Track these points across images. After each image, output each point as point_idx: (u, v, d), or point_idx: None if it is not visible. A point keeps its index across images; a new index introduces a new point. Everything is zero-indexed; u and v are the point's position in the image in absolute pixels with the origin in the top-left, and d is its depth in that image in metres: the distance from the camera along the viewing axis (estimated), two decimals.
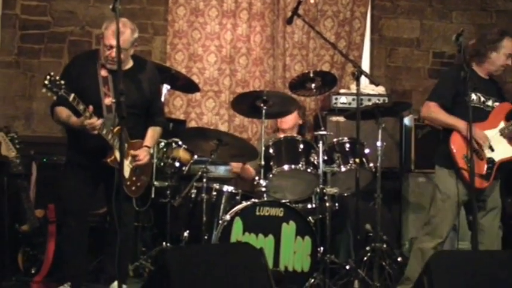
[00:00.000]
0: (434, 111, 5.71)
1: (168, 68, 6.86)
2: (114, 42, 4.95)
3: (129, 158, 5.31)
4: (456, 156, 5.54)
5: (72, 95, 4.89)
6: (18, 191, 6.10)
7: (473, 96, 5.66)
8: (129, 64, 5.44)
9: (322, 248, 5.83)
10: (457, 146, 5.54)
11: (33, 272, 6.01)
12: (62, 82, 4.84)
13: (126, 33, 5.19)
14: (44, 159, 6.91)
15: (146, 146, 5.45)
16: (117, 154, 5.10)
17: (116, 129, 5.12)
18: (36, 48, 7.83)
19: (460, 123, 5.55)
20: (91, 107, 4.99)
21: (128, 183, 5.30)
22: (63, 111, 5.23)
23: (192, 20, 7.94)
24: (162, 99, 6.40)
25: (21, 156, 6.10)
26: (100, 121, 5.03)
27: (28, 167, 6.72)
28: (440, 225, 5.62)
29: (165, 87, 6.51)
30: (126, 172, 5.25)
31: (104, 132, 5.09)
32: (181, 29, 7.91)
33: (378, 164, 6.10)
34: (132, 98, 5.20)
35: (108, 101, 5.24)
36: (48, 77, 4.78)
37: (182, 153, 6.29)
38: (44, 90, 4.81)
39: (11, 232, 6.07)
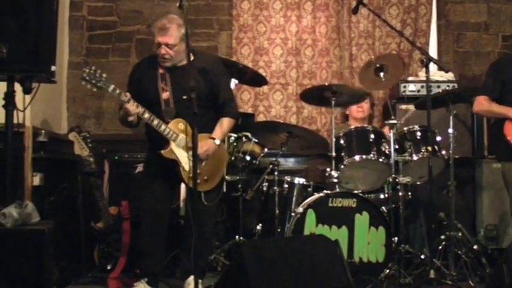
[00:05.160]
0: (484, 105, 5.80)
1: (234, 62, 6.88)
2: (161, 39, 5.21)
3: (190, 151, 5.29)
4: None
5: (112, 86, 5.07)
6: (92, 189, 6.20)
7: None
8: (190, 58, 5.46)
9: (396, 238, 5.81)
10: None
11: (109, 268, 6.11)
12: (103, 75, 4.99)
13: (172, 28, 5.28)
14: (116, 157, 6.99)
15: (212, 138, 5.46)
16: (173, 146, 5.24)
17: (172, 122, 5.25)
18: (104, 48, 7.92)
19: (511, 111, 5.61)
20: (128, 94, 5.16)
21: (190, 175, 5.26)
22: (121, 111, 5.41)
23: (257, 14, 7.93)
24: None
25: (93, 155, 6.19)
26: (134, 107, 5.14)
27: (101, 165, 6.83)
28: None
29: (233, 82, 6.54)
30: (187, 165, 5.24)
31: (155, 122, 5.20)
32: (246, 23, 7.91)
33: (451, 152, 6.01)
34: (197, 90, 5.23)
35: (165, 95, 5.35)
36: (86, 70, 4.98)
37: (252, 147, 6.29)
38: (83, 83, 4.99)
39: (87, 230, 6.19)
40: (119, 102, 5.35)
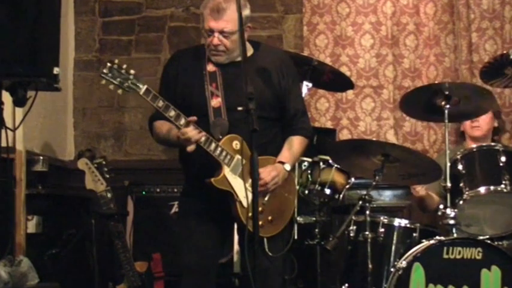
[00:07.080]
0: None
1: (307, 58, 6.86)
2: (214, 24, 5.02)
3: (250, 180, 5.13)
4: None
5: (145, 87, 4.87)
6: (111, 237, 6.21)
7: None
8: (247, 52, 5.35)
9: None
10: None
11: None
12: (131, 71, 4.86)
13: (230, 10, 5.05)
14: (143, 192, 7.00)
15: (280, 162, 5.30)
16: (227, 173, 5.07)
17: (224, 139, 5.09)
18: (125, 40, 7.96)
19: None
20: (194, 118, 4.94)
21: (250, 214, 5.04)
22: (163, 125, 5.26)
23: None
24: None
25: (112, 190, 6.19)
26: (196, 132, 4.92)
27: (122, 204, 6.83)
28: None
29: (305, 85, 6.50)
30: (246, 199, 5.07)
31: (212, 147, 5.02)
32: (322, 3, 7.91)
33: None
34: (256, 96, 5.12)
35: (215, 102, 5.21)
36: (108, 64, 4.83)
37: (334, 176, 6.25)
38: (103, 82, 4.84)
39: None
40: (163, 112, 5.14)
